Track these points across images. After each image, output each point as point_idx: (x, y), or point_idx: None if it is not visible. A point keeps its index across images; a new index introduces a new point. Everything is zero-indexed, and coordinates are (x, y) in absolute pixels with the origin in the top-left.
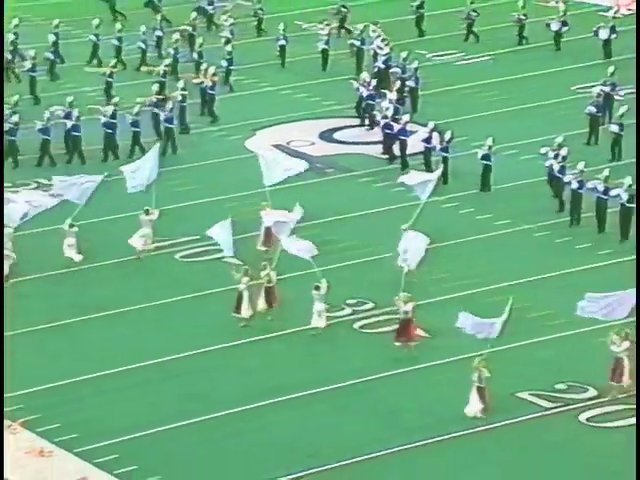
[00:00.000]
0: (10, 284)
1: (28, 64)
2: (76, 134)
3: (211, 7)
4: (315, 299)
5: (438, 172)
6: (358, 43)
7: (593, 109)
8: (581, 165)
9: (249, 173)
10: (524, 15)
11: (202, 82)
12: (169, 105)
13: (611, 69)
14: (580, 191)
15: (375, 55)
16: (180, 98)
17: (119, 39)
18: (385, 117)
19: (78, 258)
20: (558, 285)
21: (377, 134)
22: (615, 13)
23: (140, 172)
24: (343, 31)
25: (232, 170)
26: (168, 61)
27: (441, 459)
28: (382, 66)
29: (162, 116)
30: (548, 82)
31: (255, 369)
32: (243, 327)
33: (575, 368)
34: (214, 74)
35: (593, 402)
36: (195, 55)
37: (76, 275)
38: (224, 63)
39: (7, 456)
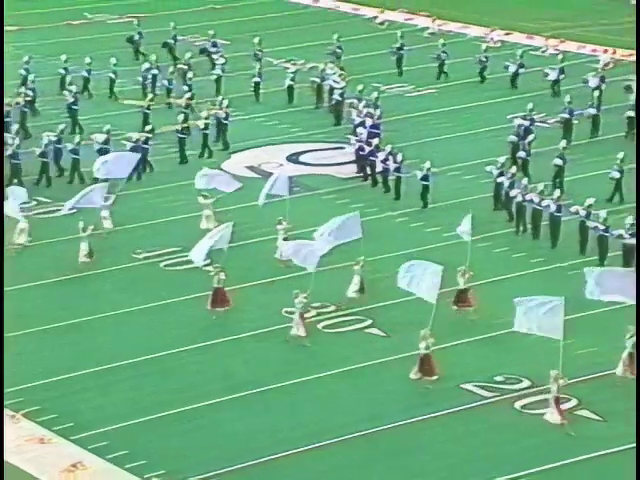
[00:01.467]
0: (15, 289)
1: (70, 98)
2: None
3: (215, 48)
4: (354, 272)
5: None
6: (318, 80)
7: (514, 138)
8: (525, 181)
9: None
10: (485, 57)
11: (216, 113)
12: (135, 136)
13: (530, 105)
14: (524, 203)
15: (331, 90)
16: (202, 126)
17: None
18: (360, 141)
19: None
20: (496, 290)
21: (339, 156)
22: (543, 52)
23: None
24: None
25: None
26: (189, 94)
27: (399, 440)
28: (339, 98)
29: (128, 146)
30: (487, 112)
31: (230, 366)
32: (216, 319)
33: (511, 362)
34: (227, 106)
35: (526, 392)
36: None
37: (73, 282)
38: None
39: (11, 443)
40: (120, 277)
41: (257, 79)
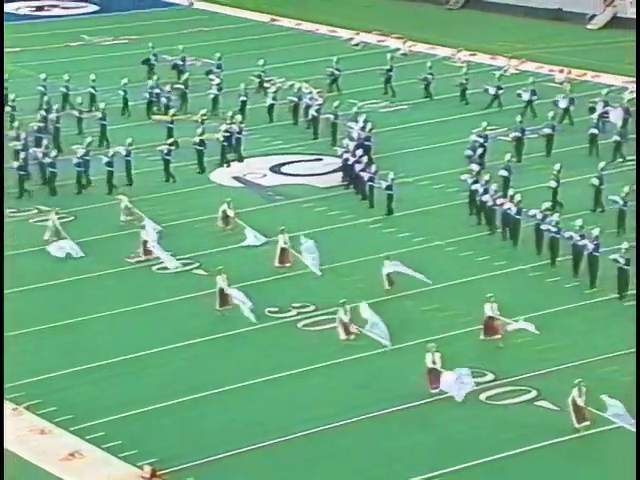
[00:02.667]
0: (16, 292)
1: (99, 114)
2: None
3: (219, 70)
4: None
5: None
6: (295, 99)
7: (470, 152)
8: (494, 186)
9: (212, 200)
10: (466, 79)
11: (230, 127)
12: (111, 152)
13: (484, 124)
14: (494, 207)
15: (307, 107)
16: (222, 138)
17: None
18: (346, 152)
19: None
20: (461, 291)
21: (318, 167)
22: (505, 72)
23: None
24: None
25: (199, 197)
26: (204, 110)
27: (375, 431)
28: (315, 114)
29: (104, 160)
30: (455, 127)
31: (220, 361)
32: (222, 315)
33: (475, 358)
34: (241, 122)
35: (491, 384)
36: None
37: (74, 283)
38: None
39: (14, 434)
40: (114, 280)
41: (244, 98)
